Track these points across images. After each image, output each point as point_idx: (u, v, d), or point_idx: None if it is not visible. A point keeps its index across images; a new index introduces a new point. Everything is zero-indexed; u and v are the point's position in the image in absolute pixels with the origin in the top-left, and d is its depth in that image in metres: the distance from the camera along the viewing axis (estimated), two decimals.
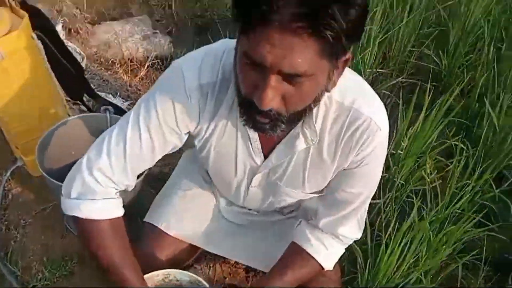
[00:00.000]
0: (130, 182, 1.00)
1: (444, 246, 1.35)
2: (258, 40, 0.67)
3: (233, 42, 0.82)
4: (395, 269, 1.31)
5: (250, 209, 1.26)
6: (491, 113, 1.69)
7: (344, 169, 0.96)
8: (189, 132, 0.98)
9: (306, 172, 0.99)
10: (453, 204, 1.47)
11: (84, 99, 1.74)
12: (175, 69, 0.92)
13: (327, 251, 1.09)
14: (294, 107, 0.76)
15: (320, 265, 1.09)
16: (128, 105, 2.02)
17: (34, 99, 1.50)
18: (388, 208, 1.56)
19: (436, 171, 1.66)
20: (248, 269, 1.47)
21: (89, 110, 1.77)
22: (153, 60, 2.33)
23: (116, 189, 1.00)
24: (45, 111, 1.55)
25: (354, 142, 0.90)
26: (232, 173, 1.06)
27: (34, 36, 1.42)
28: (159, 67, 2.37)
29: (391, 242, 1.27)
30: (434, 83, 2.10)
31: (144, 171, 1.12)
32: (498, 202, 1.63)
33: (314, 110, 0.84)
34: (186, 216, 1.27)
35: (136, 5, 2.74)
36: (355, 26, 0.65)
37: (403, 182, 1.62)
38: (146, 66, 2.29)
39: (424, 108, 1.60)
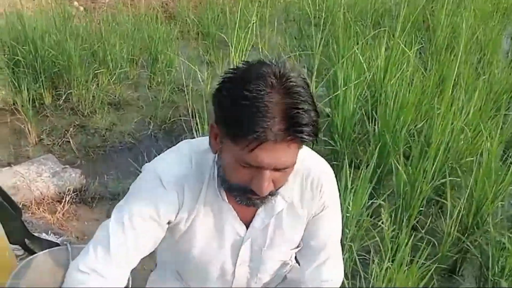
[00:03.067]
0: (120, 277, 1.01)
1: (409, 283, 1.60)
2: (255, 152, 0.88)
3: (192, 141, 1.08)
4: None
5: None
6: (399, 169, 2.13)
7: (313, 217, 1.17)
8: (169, 223, 1.07)
9: (284, 229, 1.16)
10: (393, 251, 1.77)
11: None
12: (149, 171, 1.07)
13: None
14: (281, 184, 1.01)
15: None
16: (63, 240, 1.96)
17: None
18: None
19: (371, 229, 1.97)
20: None
21: (30, 252, 1.70)
22: (69, 194, 2.33)
23: (102, 281, 0.99)
24: None
25: (314, 190, 1.13)
26: (218, 253, 1.15)
27: None
28: (76, 200, 2.36)
29: None
30: (335, 161, 2.54)
31: None
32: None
33: None
34: None
35: (30, 147, 2.74)
36: (317, 125, 0.93)
37: (350, 243, 1.88)
38: (66, 201, 2.26)
39: (350, 179, 1.94)
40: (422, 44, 3.66)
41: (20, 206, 2.19)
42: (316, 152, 1.17)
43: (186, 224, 1.09)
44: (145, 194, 1.03)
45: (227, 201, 1.07)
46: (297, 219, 1.15)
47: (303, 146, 0.99)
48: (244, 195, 0.98)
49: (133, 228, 1.00)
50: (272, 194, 0.99)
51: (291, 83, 0.89)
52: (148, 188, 1.03)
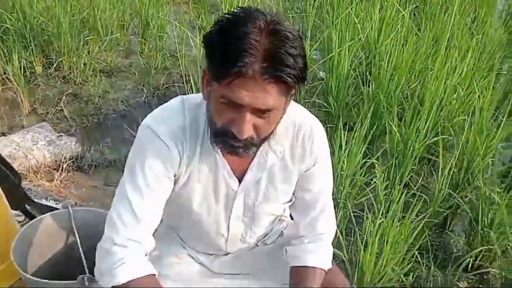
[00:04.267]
0: (149, 236, 1.10)
1: (402, 236, 1.68)
2: (236, 87, 0.91)
3: (185, 96, 1.11)
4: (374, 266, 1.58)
5: (233, 253, 1.38)
6: (392, 129, 2.18)
7: (304, 171, 1.21)
8: (175, 175, 1.13)
9: (276, 183, 1.20)
10: (386, 208, 1.85)
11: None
12: (144, 128, 1.11)
13: (319, 255, 1.27)
14: (264, 134, 1.04)
15: (321, 269, 1.27)
16: (65, 203, 2.00)
17: None
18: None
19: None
20: None
21: (31, 218, 1.75)
22: (66, 161, 2.36)
23: (141, 247, 1.08)
24: None
25: (306, 146, 1.17)
26: (213, 206, 1.20)
27: None
28: (72, 167, 2.41)
29: (368, 245, 1.55)
30: (329, 124, 2.59)
31: None
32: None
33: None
34: None
35: (24, 116, 2.75)
36: (303, 70, 0.96)
37: (344, 201, 1.95)
38: (63, 169, 2.30)
39: (344, 139, 1.99)
40: (416, 4, 3.64)
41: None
42: (303, 107, 1.20)
43: (185, 177, 1.13)
44: (148, 153, 1.07)
45: (221, 154, 1.11)
46: (289, 173, 1.19)
47: (290, 99, 1.02)
48: (227, 141, 1.00)
49: (150, 189, 1.06)
50: (254, 142, 1.01)
51: (280, 28, 0.92)
52: (149, 146, 1.07)
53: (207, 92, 1.03)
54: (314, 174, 1.21)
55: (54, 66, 3.07)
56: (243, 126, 0.96)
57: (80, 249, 1.51)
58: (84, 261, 1.45)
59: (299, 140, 1.16)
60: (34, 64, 3.04)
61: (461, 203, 2.08)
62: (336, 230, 1.32)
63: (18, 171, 2.25)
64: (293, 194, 1.26)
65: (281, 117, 1.05)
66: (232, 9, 0.97)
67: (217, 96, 0.96)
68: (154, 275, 1.09)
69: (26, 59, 3.00)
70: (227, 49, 0.91)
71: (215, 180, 1.16)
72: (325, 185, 1.25)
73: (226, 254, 1.37)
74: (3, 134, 2.55)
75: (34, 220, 1.50)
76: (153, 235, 1.46)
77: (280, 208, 1.28)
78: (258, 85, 0.91)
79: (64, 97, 2.93)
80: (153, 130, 1.07)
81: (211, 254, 1.36)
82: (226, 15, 0.96)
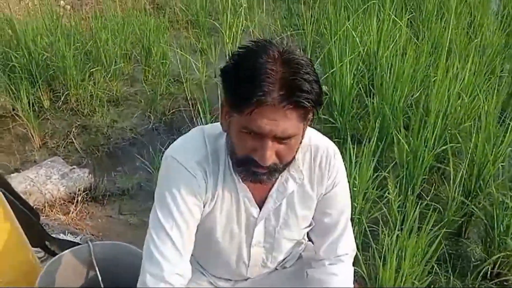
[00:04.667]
0: (189, 266, 1.12)
1: (420, 249, 1.68)
2: (258, 116, 0.94)
3: (205, 127, 1.14)
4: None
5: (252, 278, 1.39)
6: (400, 141, 2.19)
7: (323, 195, 1.22)
8: (204, 204, 1.15)
9: (296, 209, 1.22)
10: (400, 221, 1.85)
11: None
12: (169, 160, 1.13)
13: (341, 277, 1.28)
14: (286, 159, 1.06)
15: None
16: (80, 239, 2.02)
17: (8, 254, 1.48)
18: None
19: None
20: None
21: (52, 254, 1.76)
22: (80, 194, 2.38)
23: (183, 278, 1.09)
24: (19, 264, 1.53)
25: (323, 169, 1.19)
26: (236, 233, 1.21)
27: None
28: (87, 199, 2.43)
29: (388, 258, 1.55)
30: (338, 139, 2.60)
31: None
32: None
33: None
34: None
35: (36, 151, 2.78)
36: (319, 95, 0.99)
37: (359, 216, 1.95)
38: (77, 201, 2.32)
39: (353, 154, 2.00)
40: (412, 12, 3.68)
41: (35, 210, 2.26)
42: (316, 130, 1.22)
43: (210, 207, 1.15)
44: (178, 184, 1.09)
45: (242, 183, 1.12)
46: (308, 198, 1.21)
47: (307, 124, 1.04)
48: (250, 169, 1.03)
49: (185, 220, 1.09)
50: (277, 168, 1.04)
51: (293, 56, 0.96)
52: (177, 177, 1.09)
53: (226, 123, 1.05)
54: (333, 197, 1.23)
55: (62, 99, 3.11)
56: (266, 153, 0.98)
57: (101, 284, 1.52)
58: None
59: (316, 165, 1.18)
60: (42, 99, 3.08)
61: (475, 210, 2.08)
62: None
63: (34, 207, 2.28)
64: (312, 218, 1.27)
65: (301, 142, 1.07)
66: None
67: (238, 127, 0.99)
68: None
69: (33, 95, 3.04)
70: (245, 81, 0.94)
71: (237, 208, 1.18)
72: (344, 207, 1.26)
73: (246, 280, 1.37)
74: (16, 170, 2.58)
75: (55, 257, 1.51)
76: None
77: (300, 233, 1.29)
78: (278, 112, 0.94)
79: (73, 129, 2.96)
80: (178, 161, 1.10)
81: (231, 280, 1.37)
82: (240, 49, 0.99)
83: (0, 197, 1.45)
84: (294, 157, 1.08)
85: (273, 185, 1.16)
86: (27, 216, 1.62)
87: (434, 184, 2.31)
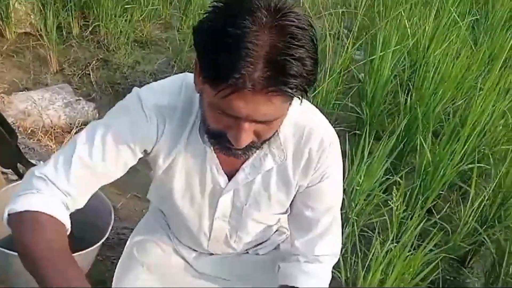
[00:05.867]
0: (75, 194, 0.93)
1: (411, 269, 1.48)
2: (233, 100, 0.76)
3: (190, 74, 0.93)
4: None
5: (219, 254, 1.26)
6: (424, 148, 1.96)
7: (308, 187, 1.04)
8: (145, 152, 0.99)
9: (271, 191, 1.05)
10: (400, 233, 1.64)
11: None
12: (132, 94, 0.97)
13: (314, 278, 1.12)
14: (265, 137, 0.88)
15: None
16: None
17: None
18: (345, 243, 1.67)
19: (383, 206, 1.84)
20: None
21: (21, 178, 1.67)
22: (79, 126, 2.28)
23: (60, 195, 0.91)
24: None
25: (312, 158, 1.01)
26: (197, 199, 1.07)
27: None
28: None
29: (371, 270, 1.37)
30: (358, 131, 2.38)
31: None
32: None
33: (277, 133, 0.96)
34: (155, 284, 1.22)
35: (50, 75, 2.70)
36: (311, 73, 0.78)
37: (356, 217, 1.76)
38: (74, 133, 2.22)
39: (367, 150, 1.80)
40: (477, 16, 3.34)
41: (28, 131, 2.19)
42: (340, 117, 1.03)
43: (166, 162, 1.00)
44: (123, 117, 0.94)
45: (210, 146, 0.96)
46: (287, 183, 1.04)
47: (304, 101, 0.86)
48: (223, 143, 0.86)
49: (103, 150, 0.92)
50: (255, 145, 0.87)
51: (286, 22, 0.74)
52: (127, 111, 0.95)
53: (199, 87, 0.85)
54: (318, 191, 1.04)
55: (90, 29, 3.01)
56: (241, 136, 0.81)
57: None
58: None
59: (305, 152, 0.99)
60: (72, 25, 2.99)
61: (486, 241, 1.84)
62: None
63: (30, 129, 2.20)
64: (291, 206, 1.09)
65: (284, 117, 0.88)
66: None
67: (210, 103, 0.81)
68: (65, 226, 0.90)
69: (64, 19, 2.95)
70: (220, 53, 0.73)
71: (202, 172, 1.02)
72: (330, 205, 1.08)
73: (211, 254, 1.25)
74: (26, 89, 2.51)
75: (17, 182, 1.41)
76: (141, 219, 1.37)
77: (272, 218, 1.13)
78: (258, 97, 0.75)
79: (94, 62, 2.86)
80: (140, 98, 0.94)
81: (195, 251, 1.25)
82: (221, 2, 0.77)
83: None
84: (275, 133, 0.90)
85: (248, 157, 0.99)
86: (1, 134, 1.51)
87: (449, 203, 2.07)
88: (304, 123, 0.99)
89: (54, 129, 2.24)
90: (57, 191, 0.91)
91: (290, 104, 0.84)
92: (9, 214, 0.88)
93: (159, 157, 1.00)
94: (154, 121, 0.94)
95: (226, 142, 0.85)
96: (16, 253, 1.22)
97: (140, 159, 1.00)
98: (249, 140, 0.83)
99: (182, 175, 1.03)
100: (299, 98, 0.81)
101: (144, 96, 0.95)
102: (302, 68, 0.74)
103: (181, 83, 0.97)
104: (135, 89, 0.98)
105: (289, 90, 0.75)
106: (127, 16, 3.08)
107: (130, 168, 1.00)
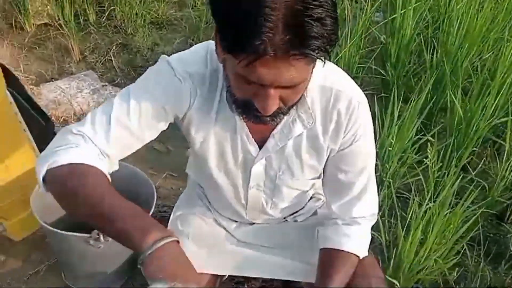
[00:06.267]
0: (112, 154, 0.93)
1: (451, 226, 1.48)
2: (255, 67, 0.75)
3: (212, 43, 0.93)
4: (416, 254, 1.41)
5: (259, 223, 1.28)
6: (455, 104, 1.92)
7: (339, 150, 1.04)
8: (177, 118, 1.00)
9: (303, 156, 1.05)
10: (437, 192, 1.63)
11: None
12: (162, 62, 0.97)
13: (354, 240, 1.13)
14: (291, 102, 0.88)
15: (355, 255, 1.13)
16: None
17: (11, 157, 1.44)
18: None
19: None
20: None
21: None
22: None
23: (99, 153, 0.91)
24: (22, 169, 1.48)
25: (342, 121, 1.00)
26: (231, 169, 1.08)
27: (7, 92, 1.39)
28: None
29: (410, 231, 1.37)
30: (384, 93, 2.35)
31: None
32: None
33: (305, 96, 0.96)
34: (201, 254, 1.25)
35: (74, 63, 2.73)
36: (332, 33, 0.76)
37: (390, 179, 1.76)
38: None
39: (397, 111, 1.78)
40: None
41: (61, 120, 2.23)
42: (365, 82, 1.02)
43: (199, 133, 1.01)
44: (157, 81, 0.95)
45: (239, 115, 0.96)
46: (319, 148, 1.04)
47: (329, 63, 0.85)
48: (250, 111, 0.86)
49: (139, 112, 0.93)
50: (282, 111, 0.87)
51: None
52: (160, 77, 0.95)
53: (221, 57, 0.85)
54: (351, 154, 1.04)
55: (106, 15, 3.01)
56: (268, 103, 0.81)
57: None
58: None
59: (334, 114, 0.99)
60: (88, 12, 3.00)
61: None
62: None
63: (62, 117, 2.25)
64: (324, 170, 1.10)
65: (309, 81, 0.87)
66: None
67: (234, 71, 0.81)
68: (106, 176, 0.88)
69: (80, 6, 2.96)
70: (239, 21, 0.73)
71: (233, 143, 1.03)
72: (364, 167, 1.07)
73: (252, 224, 1.27)
74: (52, 79, 2.55)
75: None
76: (181, 194, 1.40)
77: (305, 183, 1.14)
78: (280, 62, 0.74)
79: (114, 47, 2.87)
80: (171, 66, 0.94)
81: (235, 221, 1.28)
82: None
83: (7, 100, 1.38)
84: (301, 97, 0.90)
85: (278, 124, 1.00)
86: (38, 122, 1.55)
87: (484, 159, 2.04)
88: (331, 85, 0.98)
89: (85, 115, 2.27)
90: (96, 150, 0.90)
91: (313, 66, 0.83)
92: (49, 169, 0.85)
93: (191, 125, 1.00)
94: (188, 87, 0.95)
95: (253, 111, 0.85)
96: (67, 233, 1.28)
97: (170, 124, 0.99)
98: (276, 106, 0.83)
99: (215, 146, 1.04)
100: (322, 60, 0.80)
101: (174, 64, 0.95)
102: (322, 29, 0.73)
103: (206, 52, 0.97)
104: (164, 57, 0.97)
105: (311, 53, 0.74)
106: None
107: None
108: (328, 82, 0.98)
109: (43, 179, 0.86)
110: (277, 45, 0.72)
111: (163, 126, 0.98)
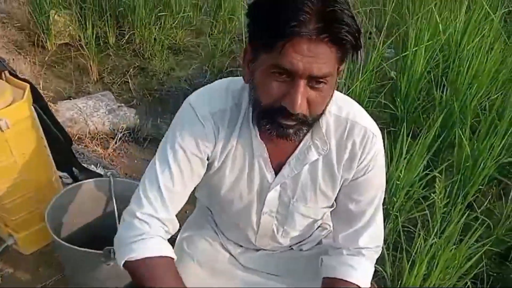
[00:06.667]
0: (173, 217, 1.04)
1: (456, 262, 1.49)
2: (290, 51, 0.82)
3: (234, 78, 1.02)
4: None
5: (265, 250, 1.30)
6: (463, 142, 1.96)
7: (352, 180, 1.07)
8: (208, 158, 1.05)
9: (317, 183, 1.08)
10: (442, 228, 1.65)
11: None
12: (185, 106, 1.04)
13: (358, 271, 1.14)
14: (316, 110, 0.91)
15: (358, 286, 1.13)
16: (110, 174, 2.01)
17: (31, 171, 1.48)
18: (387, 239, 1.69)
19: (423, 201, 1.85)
20: None
21: (76, 181, 1.76)
22: (122, 131, 2.38)
23: (163, 227, 1.03)
24: (40, 183, 1.52)
25: (356, 151, 1.03)
26: (245, 195, 1.11)
27: (33, 108, 1.44)
28: (128, 138, 2.42)
29: (415, 265, 1.38)
30: (393, 128, 2.39)
31: None
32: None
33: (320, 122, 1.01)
34: (206, 276, 1.27)
35: (91, 83, 2.81)
36: (359, 33, 0.85)
37: (396, 213, 1.78)
38: (118, 138, 2.32)
39: (405, 146, 1.81)
40: (509, 8, 3.28)
41: (76, 138, 2.29)
42: (375, 116, 1.06)
43: (220, 160, 1.05)
44: (184, 131, 1.01)
45: (260, 140, 1.01)
46: (333, 176, 1.07)
47: (340, 71, 0.91)
48: (276, 120, 0.90)
49: (180, 172, 1.01)
50: (306, 121, 0.91)
51: None
52: (186, 124, 1.02)
53: (249, 72, 0.93)
54: (363, 184, 1.07)
55: (126, 38, 3.11)
56: (298, 97, 0.85)
57: (117, 219, 1.49)
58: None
59: (348, 144, 1.02)
60: (108, 34, 3.10)
61: None
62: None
63: (77, 135, 2.31)
64: (335, 200, 1.13)
65: (330, 100, 0.93)
66: None
67: (267, 68, 0.87)
68: (173, 259, 1.03)
69: (100, 28, 3.06)
70: (277, 10, 0.82)
71: (250, 168, 1.07)
72: (374, 197, 1.10)
73: (257, 250, 1.29)
74: (69, 98, 2.63)
75: (73, 184, 1.50)
76: (189, 216, 1.43)
77: (318, 212, 1.16)
78: (314, 46, 0.81)
79: (131, 69, 2.96)
80: (193, 108, 1.01)
81: (241, 246, 1.29)
82: None
83: (33, 116, 1.43)
84: (324, 111, 0.94)
85: (293, 151, 1.04)
86: (58, 139, 1.60)
87: (489, 197, 2.06)
88: (346, 116, 1.02)
89: (99, 135, 2.34)
90: (160, 226, 1.02)
91: (338, 70, 0.89)
92: (126, 261, 1.00)
93: (215, 158, 1.05)
94: (210, 129, 1.01)
95: (279, 117, 0.89)
96: (79, 248, 1.31)
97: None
98: (304, 105, 0.87)
99: (232, 171, 1.07)
100: (351, 55, 0.86)
101: (196, 105, 1.01)
102: (352, 23, 0.82)
103: (227, 87, 1.03)
104: (187, 101, 1.04)
105: (343, 36, 0.81)
106: (160, 24, 3.17)
107: None
108: (344, 112, 1.02)
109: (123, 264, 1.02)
110: (311, 29, 0.80)
111: (203, 170, 1.05)
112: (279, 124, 0.90)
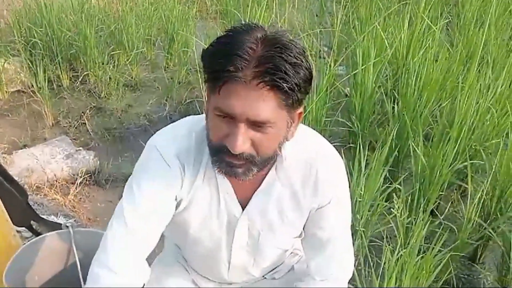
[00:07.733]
0: (142, 264, 1.04)
1: (423, 272, 1.52)
2: (227, 95, 0.84)
3: (195, 116, 1.03)
4: None
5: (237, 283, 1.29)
6: (417, 153, 2.02)
7: (318, 208, 1.08)
8: (176, 198, 1.04)
9: (284, 215, 1.09)
10: (408, 238, 1.68)
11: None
12: (150, 147, 1.04)
13: None
14: (264, 151, 0.92)
15: None
16: (70, 223, 1.95)
17: None
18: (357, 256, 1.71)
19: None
20: None
21: (37, 235, 1.70)
22: (82, 176, 2.32)
23: (129, 276, 1.01)
24: None
25: (319, 181, 1.05)
26: (215, 232, 1.11)
27: None
28: (89, 182, 2.37)
29: (385, 278, 1.40)
30: (352, 144, 2.44)
31: None
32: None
33: (282, 156, 1.02)
34: None
35: (47, 129, 2.75)
36: (305, 83, 0.86)
37: (363, 229, 1.80)
38: (79, 183, 2.26)
39: (364, 161, 1.85)
40: (449, 18, 3.45)
41: (34, 187, 2.22)
42: (333, 133, 1.08)
43: (187, 199, 1.05)
44: (150, 173, 1.00)
45: (225, 178, 1.01)
46: (300, 207, 1.08)
47: (296, 118, 0.93)
48: (223, 158, 0.91)
49: (148, 211, 0.99)
50: (254, 161, 0.91)
51: (279, 39, 0.84)
52: (152, 166, 1.01)
53: (206, 110, 0.95)
54: (328, 213, 1.08)
55: (80, 79, 3.08)
56: (238, 138, 0.86)
57: (80, 272, 1.44)
58: (83, 284, 1.38)
59: (312, 174, 1.04)
60: (61, 77, 3.06)
61: (492, 234, 1.88)
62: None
63: (35, 185, 2.24)
64: (303, 229, 1.13)
65: (286, 137, 0.94)
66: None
67: (212, 109, 0.88)
68: None
69: (53, 72, 3.02)
70: (219, 55, 0.84)
71: (218, 204, 1.06)
72: (341, 223, 1.12)
73: (230, 284, 1.27)
74: (25, 146, 2.55)
75: (35, 239, 1.44)
76: (158, 255, 1.40)
77: (287, 242, 1.17)
78: (250, 91, 0.82)
79: (88, 111, 2.92)
80: (158, 150, 1.00)
81: (214, 281, 1.27)
82: (227, 30, 0.89)
83: None
84: (275, 153, 0.95)
85: (259, 185, 1.04)
86: (12, 194, 1.55)
87: (451, 202, 2.12)
88: (309, 147, 1.04)
89: (59, 182, 2.28)
90: (127, 277, 1.01)
91: (288, 117, 0.90)
92: None
93: (183, 198, 1.04)
94: (177, 168, 1.00)
95: (225, 156, 0.90)
96: None
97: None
98: (246, 146, 0.88)
99: (200, 209, 1.07)
100: (298, 105, 0.88)
101: (160, 146, 1.00)
102: (294, 71, 0.82)
103: (191, 126, 1.03)
104: (151, 141, 1.03)
105: (279, 82, 0.82)
106: (114, 62, 3.16)
107: None
108: (306, 145, 1.04)
109: None
110: (247, 73, 0.81)
111: (172, 210, 1.04)
112: (227, 163, 0.91)
